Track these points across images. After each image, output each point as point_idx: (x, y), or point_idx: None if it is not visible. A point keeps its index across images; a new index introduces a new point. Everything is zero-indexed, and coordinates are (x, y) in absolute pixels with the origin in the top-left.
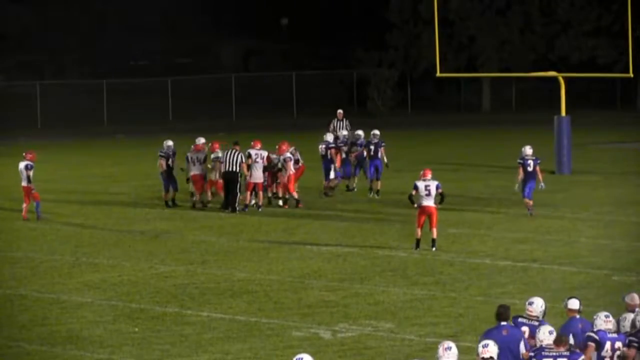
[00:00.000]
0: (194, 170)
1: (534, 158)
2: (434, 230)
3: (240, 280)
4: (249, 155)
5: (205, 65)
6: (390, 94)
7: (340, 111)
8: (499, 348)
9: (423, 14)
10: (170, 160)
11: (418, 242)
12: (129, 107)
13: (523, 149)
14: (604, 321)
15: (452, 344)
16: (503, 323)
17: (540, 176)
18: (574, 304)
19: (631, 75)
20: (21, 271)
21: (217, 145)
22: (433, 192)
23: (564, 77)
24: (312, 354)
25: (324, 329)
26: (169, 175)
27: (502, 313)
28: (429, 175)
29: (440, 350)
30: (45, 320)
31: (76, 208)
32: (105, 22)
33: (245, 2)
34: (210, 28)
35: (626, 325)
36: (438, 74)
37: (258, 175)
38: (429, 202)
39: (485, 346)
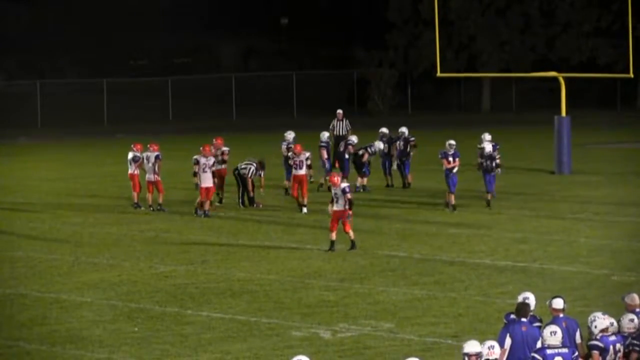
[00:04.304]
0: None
1: (494, 144)
2: (351, 233)
3: (240, 280)
4: (197, 162)
5: (205, 64)
6: (391, 94)
7: (340, 111)
8: (518, 343)
9: (423, 14)
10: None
11: (333, 243)
12: (129, 107)
13: (483, 135)
14: (603, 318)
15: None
16: (523, 319)
17: (499, 160)
18: (558, 303)
19: (631, 75)
20: (21, 270)
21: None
22: (340, 197)
23: (564, 77)
24: (312, 354)
25: (323, 329)
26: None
27: (521, 309)
28: (337, 182)
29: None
30: (44, 320)
31: (76, 208)
32: (105, 21)
33: (245, 1)
34: (210, 28)
35: (625, 327)
36: (438, 74)
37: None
38: (338, 207)
39: (491, 347)
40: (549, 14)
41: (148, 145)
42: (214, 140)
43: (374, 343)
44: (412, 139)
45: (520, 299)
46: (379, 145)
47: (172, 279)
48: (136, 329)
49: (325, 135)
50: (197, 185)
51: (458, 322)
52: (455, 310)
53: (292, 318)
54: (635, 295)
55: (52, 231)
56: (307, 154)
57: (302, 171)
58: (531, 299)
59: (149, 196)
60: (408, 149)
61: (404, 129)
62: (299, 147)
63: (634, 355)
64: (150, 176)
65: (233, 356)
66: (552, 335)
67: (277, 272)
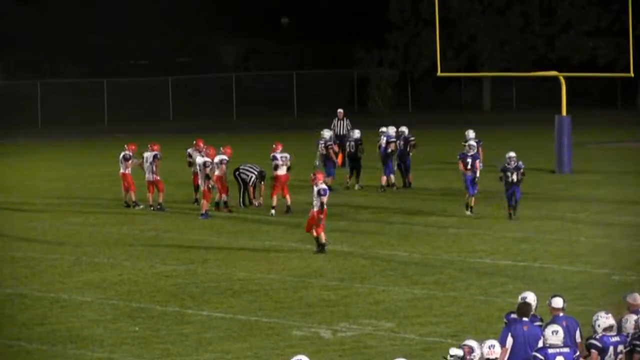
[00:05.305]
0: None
1: (477, 140)
2: (322, 235)
3: (240, 280)
4: (210, 164)
5: (205, 64)
6: (391, 93)
7: (340, 110)
8: (520, 343)
9: (423, 14)
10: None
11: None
12: (130, 106)
13: (467, 132)
14: (606, 317)
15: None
16: (524, 319)
17: (481, 156)
18: (557, 302)
19: (632, 74)
20: (21, 270)
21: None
22: (315, 197)
23: (564, 77)
24: (312, 353)
25: (324, 328)
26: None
27: (522, 309)
28: (319, 181)
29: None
30: (45, 320)
31: (76, 207)
32: (106, 21)
33: (245, 1)
34: (211, 27)
35: (628, 327)
36: (439, 74)
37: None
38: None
39: (491, 347)
40: (549, 14)
41: (149, 145)
42: (194, 142)
43: (374, 342)
44: (412, 138)
45: (520, 298)
46: (391, 130)
47: (172, 279)
48: (137, 328)
49: (326, 133)
50: (213, 187)
51: (459, 321)
52: (456, 309)
53: (292, 317)
54: (637, 295)
55: (52, 231)
56: (286, 155)
57: (283, 171)
58: (532, 298)
59: (149, 196)
60: (408, 148)
61: (403, 129)
62: (280, 146)
63: (637, 356)
64: (149, 176)
65: (233, 355)
66: (554, 334)
67: (278, 271)
